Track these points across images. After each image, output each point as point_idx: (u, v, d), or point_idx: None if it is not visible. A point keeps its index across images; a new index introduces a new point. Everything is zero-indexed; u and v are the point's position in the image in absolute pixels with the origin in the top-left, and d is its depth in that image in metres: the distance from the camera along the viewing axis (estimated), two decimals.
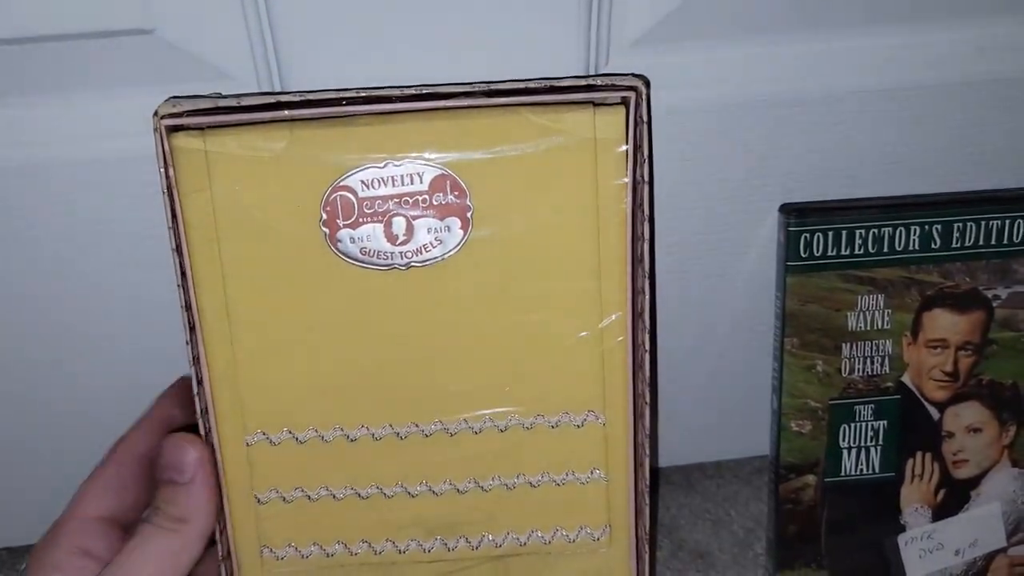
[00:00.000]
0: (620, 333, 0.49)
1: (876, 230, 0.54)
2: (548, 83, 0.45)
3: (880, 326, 0.56)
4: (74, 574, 0.43)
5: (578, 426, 0.50)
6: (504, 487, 0.51)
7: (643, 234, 0.47)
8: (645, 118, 0.46)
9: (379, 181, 0.46)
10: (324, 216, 0.46)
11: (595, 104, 0.46)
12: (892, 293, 0.55)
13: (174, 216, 0.45)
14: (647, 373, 0.49)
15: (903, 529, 0.59)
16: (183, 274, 0.46)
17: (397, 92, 0.44)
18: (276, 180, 0.45)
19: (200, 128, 0.45)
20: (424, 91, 0.45)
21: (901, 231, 0.54)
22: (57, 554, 0.44)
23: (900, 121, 0.53)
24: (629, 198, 0.47)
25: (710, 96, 0.51)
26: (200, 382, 0.48)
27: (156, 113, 0.44)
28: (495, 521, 0.51)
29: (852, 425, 0.57)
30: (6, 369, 0.56)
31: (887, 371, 0.57)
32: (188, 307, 0.47)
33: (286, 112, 0.45)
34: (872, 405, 0.57)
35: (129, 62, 0.46)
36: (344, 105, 0.45)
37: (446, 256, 0.47)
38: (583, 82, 0.45)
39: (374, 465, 0.50)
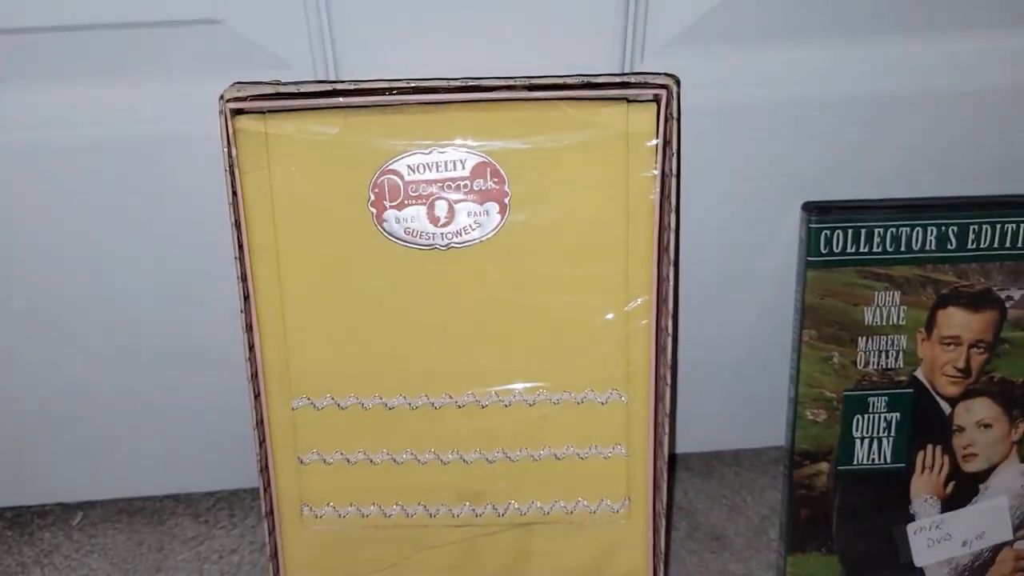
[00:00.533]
0: (645, 316, 0.51)
1: (894, 229, 0.56)
2: (585, 79, 0.48)
3: (895, 322, 0.58)
4: None
5: (602, 403, 0.53)
6: (530, 458, 0.54)
7: (670, 224, 0.50)
8: (675, 115, 0.49)
9: (424, 166, 0.49)
10: (372, 197, 0.50)
11: (629, 100, 0.49)
12: (908, 290, 0.58)
13: (234, 193, 0.49)
14: (669, 356, 0.52)
15: (912, 518, 0.61)
16: (240, 247, 0.50)
17: (444, 84, 0.48)
18: (329, 162, 0.49)
19: (261, 112, 0.48)
20: (469, 83, 0.48)
21: (918, 231, 0.57)
22: None
23: (921, 125, 0.56)
24: (658, 189, 0.50)
25: (739, 96, 0.54)
26: (252, 348, 0.52)
27: (222, 97, 0.48)
28: (521, 490, 0.54)
29: (865, 416, 0.60)
30: (68, 330, 0.60)
31: (901, 365, 0.59)
32: (244, 278, 0.50)
33: (340, 99, 0.48)
34: (885, 397, 0.59)
35: (198, 49, 0.50)
36: (394, 94, 0.48)
37: (484, 238, 0.50)
38: (618, 79, 0.48)
39: (410, 433, 0.53)
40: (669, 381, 0.52)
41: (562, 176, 0.49)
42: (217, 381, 0.61)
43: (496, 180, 0.49)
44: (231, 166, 0.49)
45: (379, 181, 0.49)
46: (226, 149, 0.48)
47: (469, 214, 0.50)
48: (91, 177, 0.53)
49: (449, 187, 0.49)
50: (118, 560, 0.66)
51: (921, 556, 0.62)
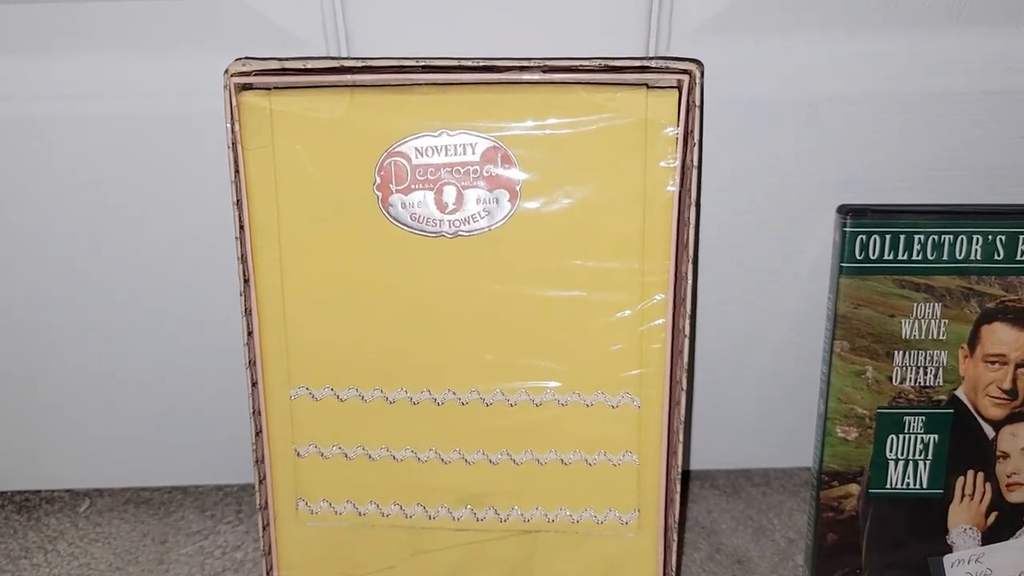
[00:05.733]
0: (660, 316, 0.49)
1: (936, 237, 0.53)
2: (603, 62, 0.46)
3: (936, 336, 0.54)
4: None
5: (613, 407, 0.50)
6: (535, 461, 0.51)
7: (689, 219, 0.47)
8: (698, 102, 0.46)
9: (432, 149, 0.47)
10: (378, 180, 0.48)
11: (649, 86, 0.46)
12: (950, 303, 0.54)
13: (236, 171, 0.48)
14: (686, 360, 0.49)
15: (950, 549, 0.57)
16: (241, 227, 0.49)
17: (455, 63, 0.46)
18: (334, 142, 0.47)
19: (267, 88, 0.47)
20: (481, 63, 0.46)
21: (963, 239, 0.53)
22: None
23: (967, 126, 0.52)
24: (677, 181, 0.47)
25: (769, 89, 0.51)
26: (250, 333, 0.50)
27: (227, 71, 0.46)
28: (524, 495, 0.52)
29: (900, 436, 0.56)
30: (83, 315, 0.59)
31: (940, 383, 0.55)
32: (244, 259, 0.49)
33: (348, 76, 0.46)
34: (923, 417, 0.56)
35: (204, 22, 0.49)
36: (403, 72, 0.46)
37: (493, 227, 0.48)
38: (638, 63, 0.46)
39: (410, 428, 0.51)
40: (685, 386, 0.49)
41: (576, 164, 0.47)
42: (227, 371, 0.60)
43: (507, 166, 0.47)
44: (234, 143, 0.47)
45: (385, 163, 0.47)
46: (229, 125, 0.47)
47: (478, 201, 0.48)
48: (89, 151, 0.52)
49: (458, 172, 0.47)
50: (121, 550, 0.64)
51: None
